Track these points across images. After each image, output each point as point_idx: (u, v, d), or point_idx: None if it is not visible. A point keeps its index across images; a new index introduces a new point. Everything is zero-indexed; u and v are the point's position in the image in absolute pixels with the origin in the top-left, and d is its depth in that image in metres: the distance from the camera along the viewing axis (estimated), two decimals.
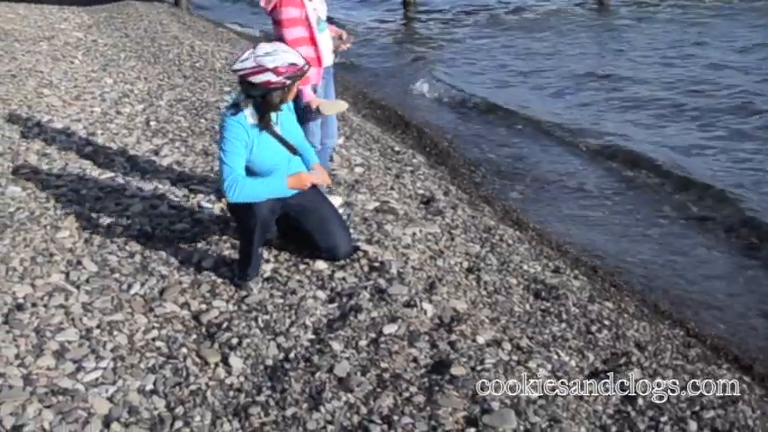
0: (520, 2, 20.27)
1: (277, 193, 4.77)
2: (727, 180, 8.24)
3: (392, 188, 6.86)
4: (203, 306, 4.73)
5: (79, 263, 5.12)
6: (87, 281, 4.92)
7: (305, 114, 5.53)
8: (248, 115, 4.62)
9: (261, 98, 4.58)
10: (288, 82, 4.52)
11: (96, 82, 9.52)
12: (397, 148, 8.46)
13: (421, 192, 6.97)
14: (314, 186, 5.12)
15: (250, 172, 4.73)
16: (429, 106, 11.84)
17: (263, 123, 4.66)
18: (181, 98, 9.07)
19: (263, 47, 4.54)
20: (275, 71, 4.45)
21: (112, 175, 6.57)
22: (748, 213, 7.41)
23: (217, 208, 5.96)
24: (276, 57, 4.46)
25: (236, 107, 4.63)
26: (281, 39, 5.38)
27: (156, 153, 7.14)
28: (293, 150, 4.91)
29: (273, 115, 4.75)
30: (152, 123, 8.03)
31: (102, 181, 6.42)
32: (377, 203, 6.34)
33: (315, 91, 5.67)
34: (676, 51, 14.08)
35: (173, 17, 16.32)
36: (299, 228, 5.15)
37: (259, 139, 4.67)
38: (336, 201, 6.09)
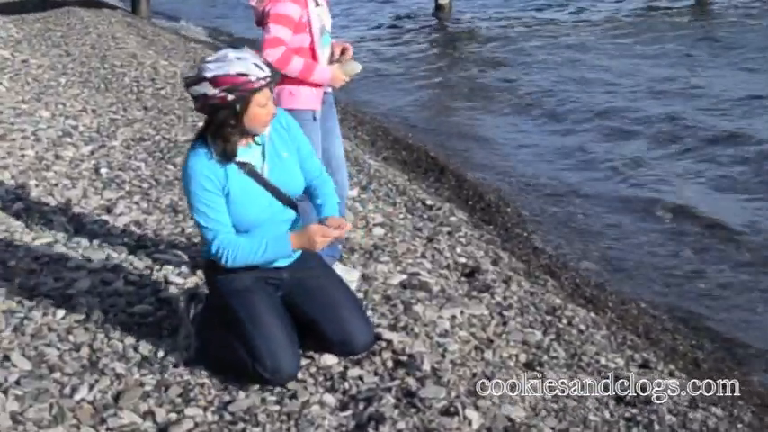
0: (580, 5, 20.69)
1: (279, 255, 4.91)
2: None
3: (423, 255, 6.91)
4: (173, 415, 4.74)
5: (7, 358, 5.15)
6: (17, 382, 4.93)
7: None
8: (213, 148, 4.73)
9: (209, 120, 4.72)
10: (230, 97, 4.55)
11: (28, 116, 9.65)
12: (429, 202, 8.52)
13: (462, 260, 7.01)
14: (319, 258, 5.20)
15: None
16: (471, 145, 11.94)
17: (224, 156, 4.73)
18: (141, 137, 9.20)
19: (225, 52, 4.67)
20: (213, 81, 4.54)
21: (51, 240, 6.64)
22: None
23: (190, 282, 6.03)
24: (224, 64, 4.55)
25: (199, 138, 4.78)
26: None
27: (109, 211, 7.23)
28: (286, 201, 4.98)
29: (252, 149, 4.85)
30: (103, 171, 8.13)
31: (36, 248, 6.49)
32: (403, 276, 6.39)
33: (314, 119, 5.88)
34: None
35: (129, 29, 16.60)
36: (301, 315, 5.19)
37: (232, 179, 4.76)
38: (352, 275, 6.13)
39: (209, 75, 4.52)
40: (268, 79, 4.61)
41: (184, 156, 4.83)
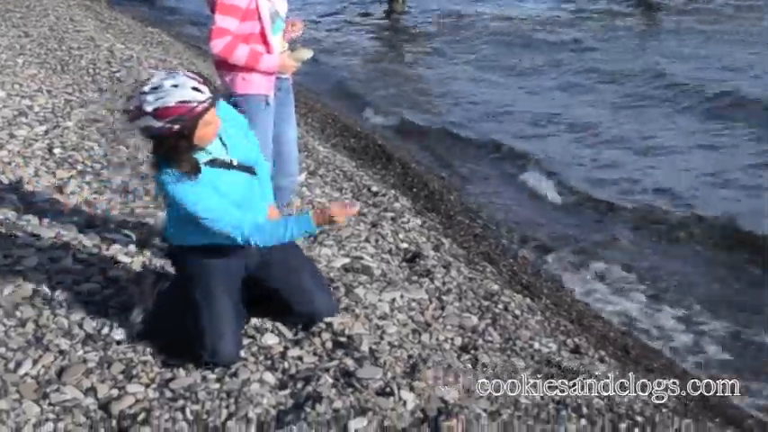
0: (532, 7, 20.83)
1: (303, 234, 4.96)
2: None
3: (367, 240, 6.92)
4: (114, 392, 4.73)
5: None
6: None
7: None
8: (177, 168, 4.56)
9: (158, 145, 4.56)
10: (176, 128, 4.39)
11: None
12: (374, 189, 8.54)
13: (404, 245, 7.03)
14: None
15: None
16: (417, 136, 11.96)
17: (189, 172, 4.58)
18: (95, 118, 9.13)
19: (158, 77, 4.45)
20: (156, 114, 4.35)
21: (1, 217, 6.60)
22: None
23: (137, 263, 6.01)
24: (162, 94, 4.35)
25: (159, 159, 4.60)
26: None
27: (60, 190, 7.18)
28: (252, 171, 4.94)
29: (216, 148, 4.73)
30: (56, 150, 8.07)
31: None
32: (346, 260, 6.41)
33: (267, 104, 5.87)
34: None
35: (88, 12, 16.46)
36: (267, 290, 5.21)
37: (206, 178, 4.65)
38: None
39: (149, 108, 4.33)
40: (210, 101, 4.42)
41: (154, 174, 4.66)
